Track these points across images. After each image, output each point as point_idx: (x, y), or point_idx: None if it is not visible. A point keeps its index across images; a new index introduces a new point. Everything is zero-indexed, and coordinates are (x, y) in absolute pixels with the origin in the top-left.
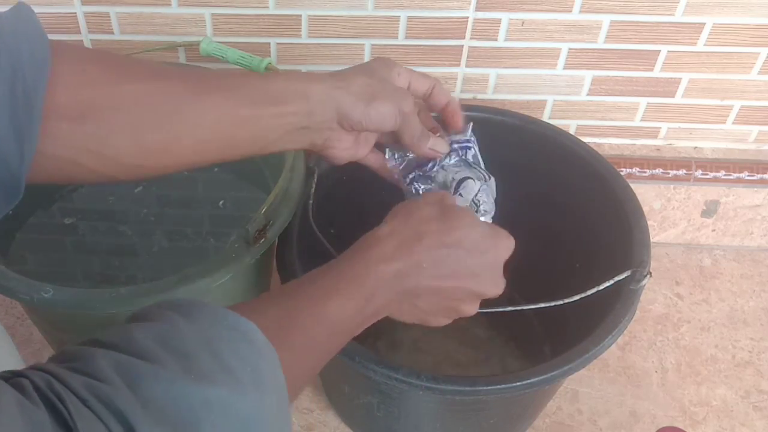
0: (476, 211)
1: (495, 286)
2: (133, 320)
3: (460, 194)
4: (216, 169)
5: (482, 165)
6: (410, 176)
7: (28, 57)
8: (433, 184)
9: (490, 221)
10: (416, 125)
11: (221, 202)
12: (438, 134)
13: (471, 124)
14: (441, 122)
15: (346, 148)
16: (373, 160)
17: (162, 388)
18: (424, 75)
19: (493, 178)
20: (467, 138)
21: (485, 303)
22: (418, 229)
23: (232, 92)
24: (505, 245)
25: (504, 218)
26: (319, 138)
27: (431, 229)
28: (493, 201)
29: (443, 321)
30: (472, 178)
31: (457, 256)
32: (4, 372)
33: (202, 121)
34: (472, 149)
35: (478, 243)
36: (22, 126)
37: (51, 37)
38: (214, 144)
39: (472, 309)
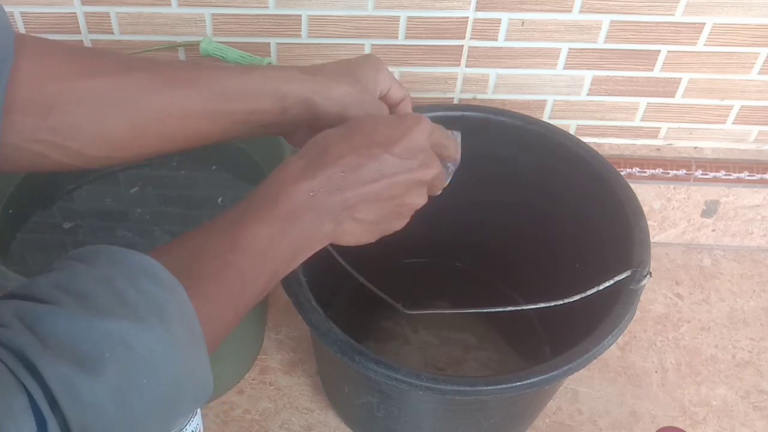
0: None
1: (428, 167)
2: (37, 276)
3: None
4: (214, 167)
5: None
6: None
7: None
8: None
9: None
10: None
11: (220, 200)
12: None
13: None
14: None
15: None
16: None
17: (61, 325)
18: (401, 86)
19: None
20: None
21: (485, 303)
22: (323, 145)
23: (202, 87)
24: (417, 125)
25: (504, 218)
26: (289, 131)
27: (335, 140)
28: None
29: (398, 224)
30: None
31: (372, 154)
32: None
33: (168, 116)
34: None
35: (389, 133)
36: None
37: (51, 37)
38: (182, 136)
39: (420, 198)
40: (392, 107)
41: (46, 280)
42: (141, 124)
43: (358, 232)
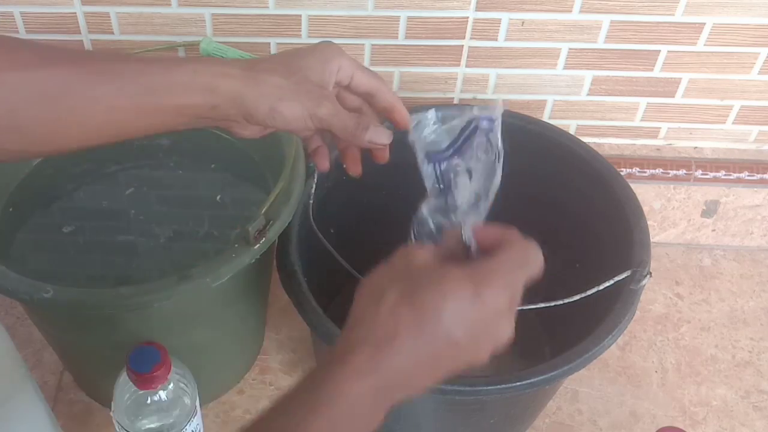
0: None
1: (507, 328)
2: None
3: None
4: (213, 166)
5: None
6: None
7: None
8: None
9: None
10: (344, 120)
11: (218, 197)
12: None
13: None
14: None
15: (252, 134)
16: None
17: None
18: (370, 73)
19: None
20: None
21: None
22: (392, 322)
23: (127, 81)
24: (507, 329)
25: (504, 218)
26: (224, 125)
27: (408, 317)
28: (478, 194)
29: (484, 354)
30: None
31: (450, 349)
32: None
33: (91, 110)
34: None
35: (475, 317)
36: None
37: (51, 37)
38: (108, 130)
39: (505, 331)
40: (364, 98)
41: None
42: (61, 119)
43: (411, 392)
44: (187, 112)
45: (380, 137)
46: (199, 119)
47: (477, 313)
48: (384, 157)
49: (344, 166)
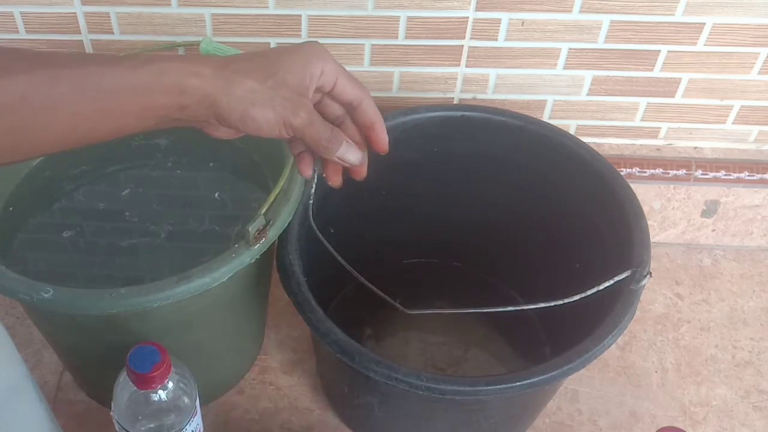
0: None
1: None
2: None
3: None
4: (211, 164)
5: None
6: None
7: None
8: None
9: None
10: (318, 132)
11: (216, 194)
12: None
13: None
14: (366, 141)
15: (227, 135)
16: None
17: None
18: (355, 83)
19: None
20: None
21: (485, 303)
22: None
23: (89, 85)
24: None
25: (504, 218)
26: (196, 125)
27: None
28: None
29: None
30: None
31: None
32: None
33: (53, 118)
34: None
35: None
36: None
37: (51, 37)
38: (74, 136)
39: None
40: (350, 110)
41: None
42: (23, 129)
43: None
44: (154, 114)
45: (350, 156)
46: (169, 120)
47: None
48: (360, 173)
49: (323, 175)
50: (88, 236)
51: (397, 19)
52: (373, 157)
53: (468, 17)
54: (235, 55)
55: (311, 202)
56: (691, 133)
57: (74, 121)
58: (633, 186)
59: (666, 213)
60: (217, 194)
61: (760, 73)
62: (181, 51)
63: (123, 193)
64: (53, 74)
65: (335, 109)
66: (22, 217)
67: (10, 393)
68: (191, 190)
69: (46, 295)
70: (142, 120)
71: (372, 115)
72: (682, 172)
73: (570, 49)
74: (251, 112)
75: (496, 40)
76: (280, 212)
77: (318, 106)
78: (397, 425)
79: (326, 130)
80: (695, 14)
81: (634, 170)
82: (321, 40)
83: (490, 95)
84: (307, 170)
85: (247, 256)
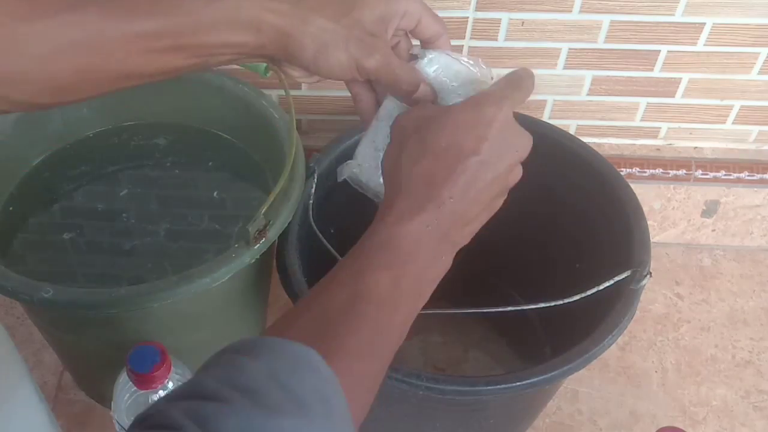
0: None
1: (520, 149)
2: (198, 372)
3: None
4: (211, 164)
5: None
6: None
7: None
8: None
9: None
10: (397, 74)
11: (216, 193)
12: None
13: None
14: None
15: (300, 77)
16: (349, 86)
17: (233, 423)
18: (437, 19)
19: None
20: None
21: (485, 303)
22: (418, 173)
23: (165, 19)
24: (498, 113)
25: (504, 218)
26: (273, 63)
27: (427, 159)
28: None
29: (497, 205)
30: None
31: (468, 167)
32: None
33: (127, 53)
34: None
35: (474, 134)
36: None
37: None
38: (144, 72)
39: (519, 173)
40: (423, 43)
41: (209, 376)
42: (95, 65)
43: (467, 234)
44: (229, 51)
45: (429, 95)
46: (248, 57)
47: (488, 126)
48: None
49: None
50: (88, 236)
51: None
52: None
53: (468, 17)
54: None
55: (311, 202)
56: (691, 133)
57: (148, 56)
58: (633, 186)
59: (666, 213)
60: (216, 194)
61: (760, 73)
62: None
63: (122, 193)
64: (129, 8)
65: (408, 45)
66: (22, 217)
67: (10, 393)
68: (191, 190)
69: (46, 295)
70: (215, 57)
71: (449, 48)
72: (682, 172)
73: (570, 49)
74: (323, 53)
75: (496, 40)
76: (280, 212)
77: (395, 47)
78: (397, 425)
79: (405, 72)
80: (695, 14)
81: (634, 170)
82: None
83: None
84: (369, 113)
85: (247, 256)
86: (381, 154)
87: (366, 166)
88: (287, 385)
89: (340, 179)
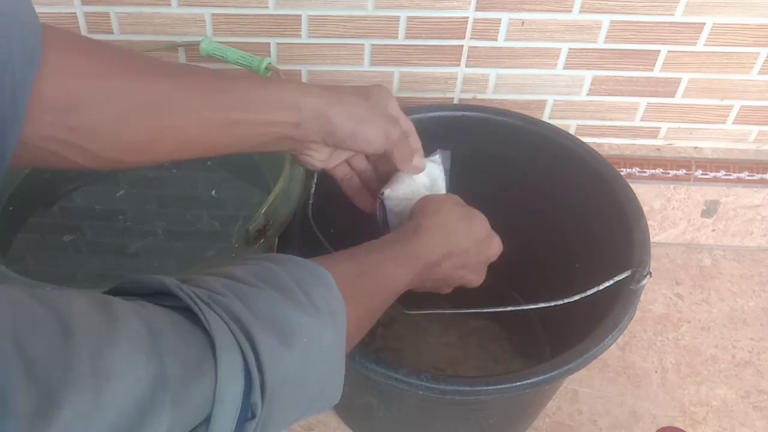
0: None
1: (480, 276)
2: (223, 266)
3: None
4: (209, 162)
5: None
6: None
7: (19, 49)
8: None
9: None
10: (407, 148)
11: (216, 193)
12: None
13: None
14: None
15: (321, 160)
16: (338, 171)
17: (267, 305)
18: (407, 118)
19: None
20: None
21: (485, 303)
22: (453, 226)
23: (223, 96)
24: (497, 248)
25: (504, 218)
26: (300, 147)
27: (461, 226)
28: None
29: (448, 290)
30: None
31: (475, 251)
32: (123, 283)
33: (188, 123)
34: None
35: (484, 241)
36: (5, 121)
37: None
38: (196, 145)
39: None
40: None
41: (241, 269)
42: (160, 130)
43: (427, 287)
44: (274, 129)
45: (421, 163)
46: (284, 138)
47: (488, 254)
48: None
49: (359, 205)
50: (87, 236)
51: (397, 19)
52: None
53: (468, 17)
54: (334, 85)
55: (311, 202)
56: (691, 133)
57: (204, 128)
58: (633, 186)
59: (666, 213)
60: (216, 194)
61: (760, 73)
62: (181, 51)
63: (122, 194)
64: (193, 81)
65: None
66: (22, 217)
67: None
68: (190, 190)
69: None
70: (260, 135)
71: (418, 143)
72: (682, 172)
73: (570, 49)
74: (362, 127)
75: (496, 40)
76: (280, 212)
77: None
78: (397, 425)
79: (409, 148)
80: (695, 14)
81: (634, 170)
82: (321, 41)
83: (490, 95)
84: (369, 207)
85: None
86: (412, 203)
87: (403, 205)
88: (307, 291)
89: (385, 200)
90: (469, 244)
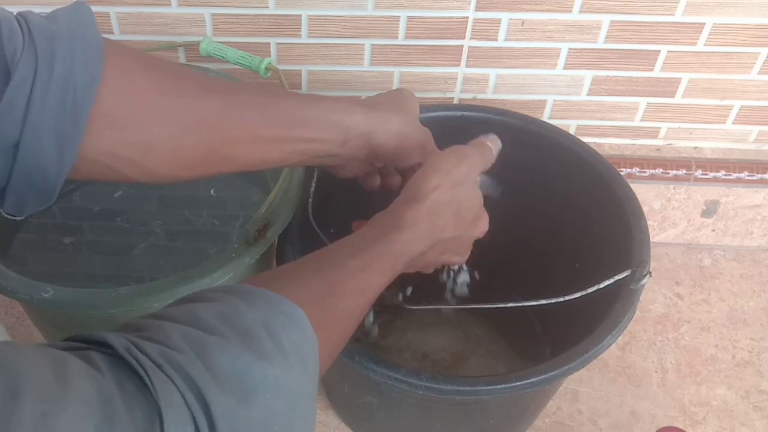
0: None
1: (464, 255)
2: (189, 301)
3: None
4: None
5: None
6: None
7: (82, 65)
8: None
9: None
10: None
11: (216, 193)
12: None
13: None
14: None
15: (354, 171)
16: (366, 180)
17: (228, 360)
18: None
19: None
20: None
21: (487, 300)
22: (440, 216)
23: (272, 113)
24: (484, 226)
25: (504, 218)
26: (342, 163)
27: (449, 215)
28: None
29: (430, 271)
30: None
31: (460, 235)
32: (73, 337)
33: (238, 139)
34: None
35: (470, 224)
36: (66, 137)
37: None
38: (246, 159)
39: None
40: None
41: (206, 310)
42: (213, 146)
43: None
44: (319, 147)
45: None
46: (327, 156)
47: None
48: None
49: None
50: (87, 236)
51: (397, 19)
52: None
53: (468, 17)
54: (375, 97)
55: (311, 202)
56: (691, 133)
57: (254, 144)
58: (633, 186)
59: (666, 213)
60: (216, 193)
61: (760, 73)
62: (181, 51)
63: (122, 194)
64: (244, 99)
65: None
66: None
67: None
68: (190, 190)
69: (46, 295)
70: (306, 152)
71: (434, 147)
72: (682, 172)
73: (570, 49)
74: (404, 144)
75: (496, 40)
76: (280, 212)
77: None
78: (397, 425)
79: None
80: (695, 14)
81: (634, 170)
82: (321, 40)
83: (490, 95)
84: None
85: (247, 256)
86: None
87: None
88: (275, 334)
89: None
90: (456, 233)
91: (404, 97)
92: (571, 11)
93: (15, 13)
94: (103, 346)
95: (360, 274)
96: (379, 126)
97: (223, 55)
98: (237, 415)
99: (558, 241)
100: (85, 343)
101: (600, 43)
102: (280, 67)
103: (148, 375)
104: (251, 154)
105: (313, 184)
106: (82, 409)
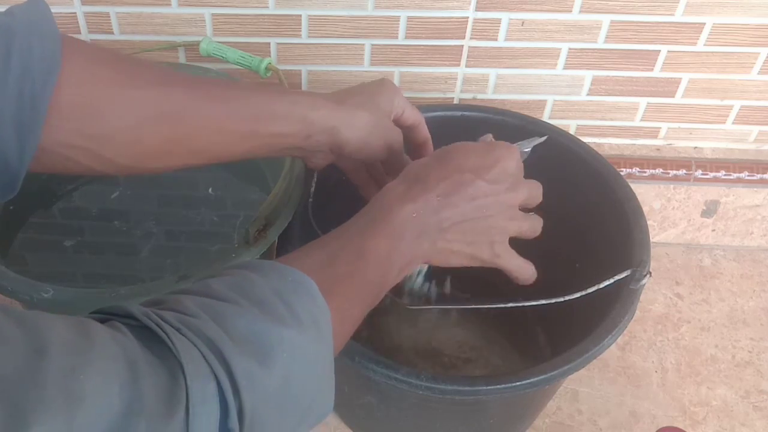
0: None
1: (515, 191)
2: (206, 279)
3: None
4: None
5: None
6: None
7: (39, 58)
8: None
9: None
10: (402, 159)
11: (214, 192)
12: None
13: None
14: (409, 154)
15: (324, 161)
16: (345, 164)
17: (244, 323)
18: (415, 109)
19: None
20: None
21: (487, 301)
22: (421, 172)
23: (236, 106)
24: (508, 153)
25: None
26: (308, 155)
27: (431, 167)
28: None
29: (488, 251)
30: None
31: (464, 180)
32: (93, 311)
33: (201, 131)
34: None
35: (480, 161)
36: (25, 128)
37: None
38: (210, 152)
39: (510, 223)
40: (406, 130)
41: (219, 283)
42: (175, 138)
43: (450, 254)
44: (283, 140)
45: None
46: (293, 148)
47: (495, 160)
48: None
49: (366, 196)
50: (87, 236)
51: (397, 19)
52: None
53: (468, 17)
54: (345, 91)
55: (311, 201)
56: (691, 133)
57: (217, 137)
58: (633, 186)
59: (666, 213)
60: (215, 193)
61: (760, 73)
62: (181, 51)
63: (121, 194)
64: (207, 92)
65: None
66: (22, 217)
67: None
68: (190, 190)
69: (46, 295)
70: (270, 145)
71: (426, 134)
72: (682, 172)
73: (570, 49)
74: (368, 142)
75: (496, 40)
76: (280, 212)
77: None
78: (397, 425)
79: (405, 159)
80: (695, 14)
81: (634, 170)
82: (321, 41)
83: (490, 95)
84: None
85: (247, 256)
86: None
87: None
88: (289, 301)
89: None
90: (455, 176)
91: (380, 91)
92: (571, 11)
93: None
94: (123, 317)
95: (357, 237)
96: (344, 121)
97: (223, 55)
98: (257, 374)
99: (557, 241)
100: (105, 315)
101: (600, 43)
102: (280, 67)
103: (168, 336)
104: (216, 147)
105: (313, 184)
106: (110, 366)
